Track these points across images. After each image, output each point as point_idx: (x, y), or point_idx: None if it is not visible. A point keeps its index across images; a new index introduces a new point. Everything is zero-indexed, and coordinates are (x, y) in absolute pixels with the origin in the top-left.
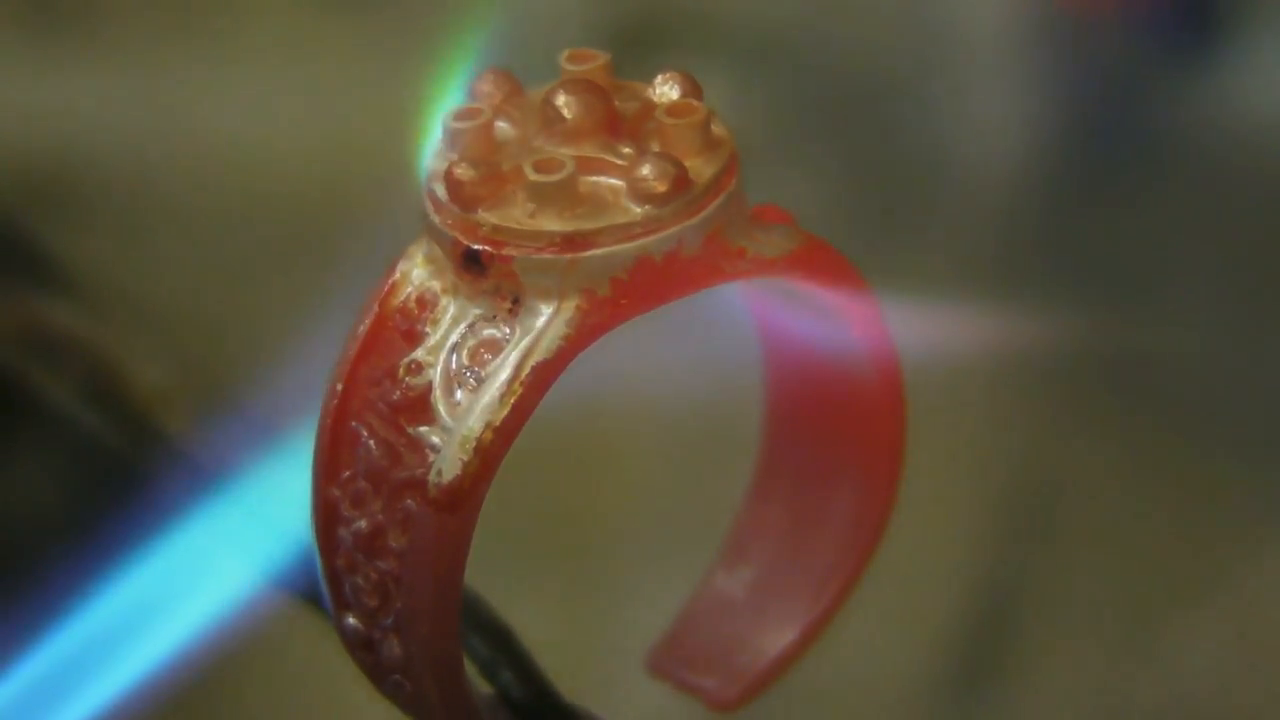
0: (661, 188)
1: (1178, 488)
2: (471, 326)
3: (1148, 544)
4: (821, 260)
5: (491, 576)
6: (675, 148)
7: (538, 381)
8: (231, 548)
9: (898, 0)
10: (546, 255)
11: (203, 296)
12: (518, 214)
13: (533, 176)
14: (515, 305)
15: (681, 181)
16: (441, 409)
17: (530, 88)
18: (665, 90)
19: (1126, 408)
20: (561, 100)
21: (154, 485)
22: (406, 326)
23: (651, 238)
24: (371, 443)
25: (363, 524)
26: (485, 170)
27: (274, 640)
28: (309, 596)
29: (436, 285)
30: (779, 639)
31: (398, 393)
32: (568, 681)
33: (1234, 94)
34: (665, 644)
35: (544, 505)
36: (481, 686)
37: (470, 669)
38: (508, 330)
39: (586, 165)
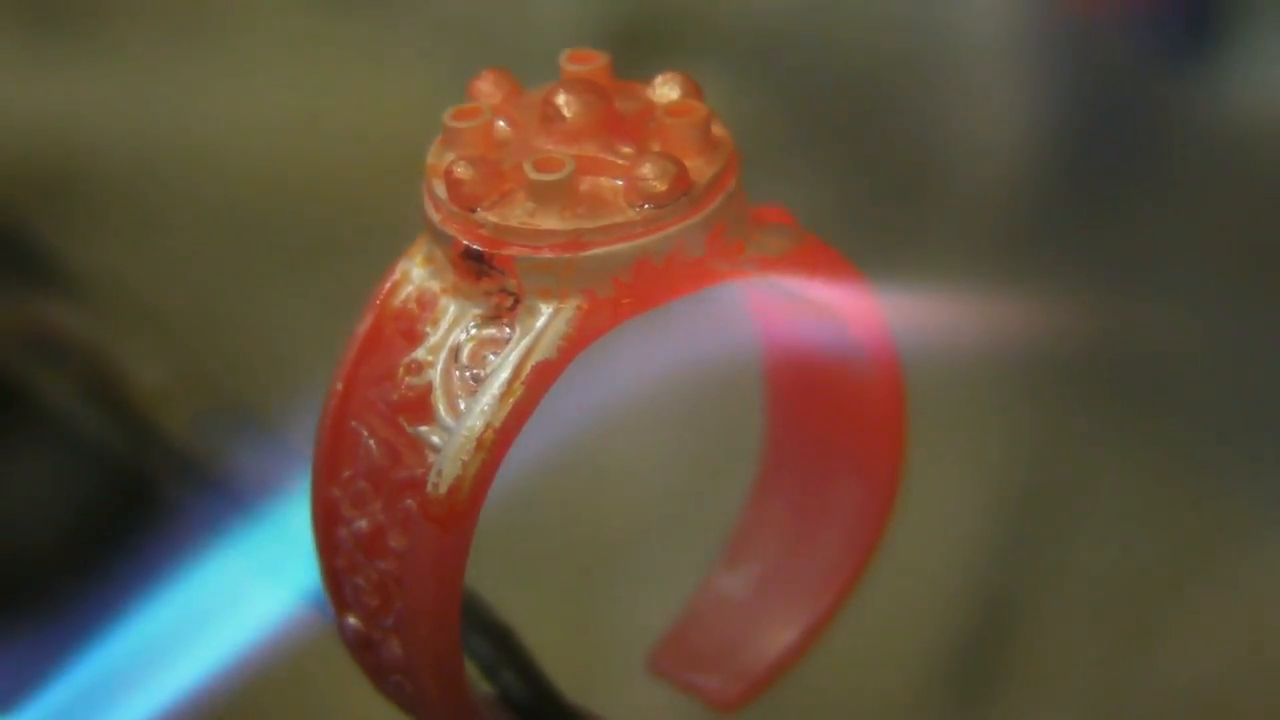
0: (662, 187)
1: (1181, 486)
2: (472, 326)
3: (1151, 542)
4: (821, 260)
5: (492, 576)
6: (675, 148)
7: (538, 381)
8: (253, 564)
9: (898, 0)
10: (547, 255)
11: (203, 296)
12: (518, 213)
13: (533, 175)
14: (515, 305)
15: (682, 181)
16: (442, 409)
17: (530, 88)
18: (665, 90)
19: (1128, 406)
20: (561, 100)
21: (171, 500)
22: (406, 326)
23: (652, 237)
24: (372, 443)
25: (363, 524)
26: (485, 169)
27: (273, 640)
28: (308, 596)
29: (436, 285)
30: (781, 639)
31: (398, 393)
32: (568, 681)
33: (1234, 94)
34: (667, 644)
35: (544, 505)
36: (482, 686)
37: (471, 669)
38: (508, 330)
39: (587, 165)
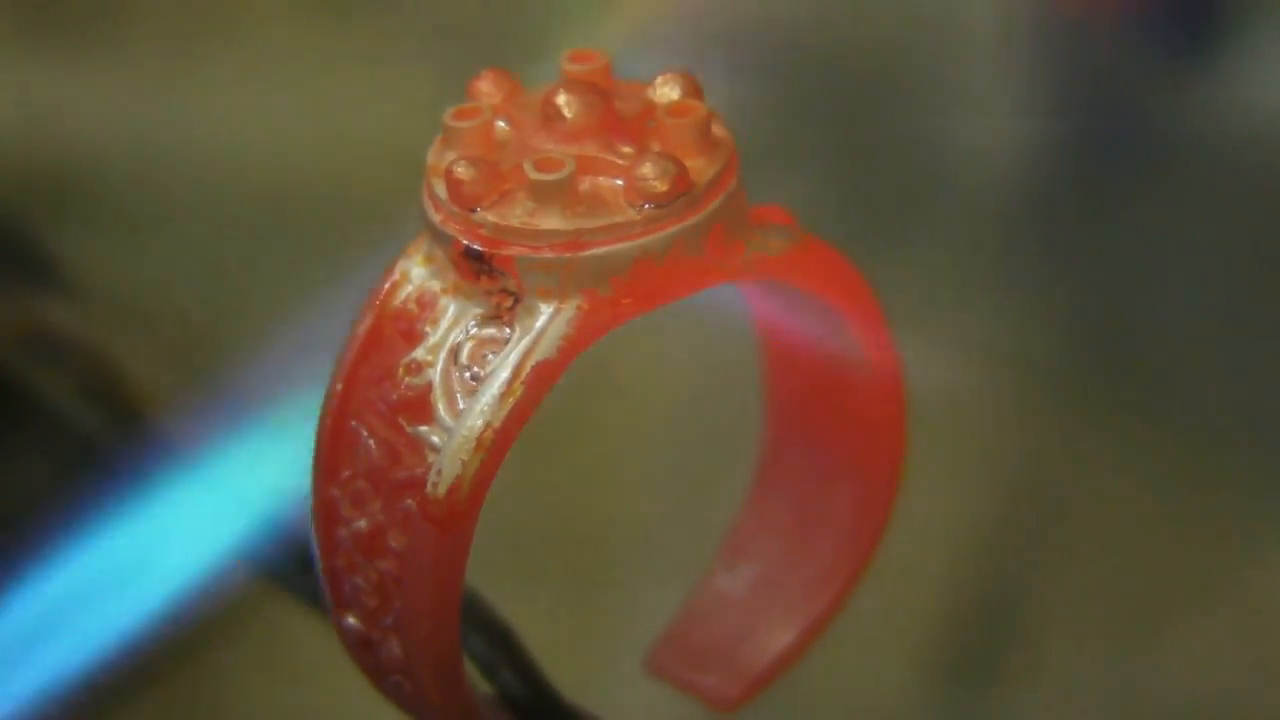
0: (662, 187)
1: (1181, 488)
2: (472, 326)
3: (1151, 544)
4: (821, 260)
5: (492, 576)
6: (676, 148)
7: (538, 381)
8: (198, 521)
9: (897, 0)
10: (547, 254)
11: (203, 297)
12: (518, 213)
13: (533, 175)
14: (515, 305)
15: (682, 181)
16: (441, 409)
17: (530, 88)
18: (665, 90)
19: (1128, 406)
20: (562, 100)
21: (126, 463)
22: (406, 326)
23: (652, 237)
24: (371, 442)
25: (362, 524)
26: (485, 169)
27: (273, 639)
28: (308, 596)
29: (436, 285)
30: (779, 638)
31: (397, 392)
32: (568, 681)
33: (1234, 94)
34: (665, 643)
35: (544, 505)
36: (481, 686)
37: (470, 669)
38: (508, 330)
39: (587, 164)
